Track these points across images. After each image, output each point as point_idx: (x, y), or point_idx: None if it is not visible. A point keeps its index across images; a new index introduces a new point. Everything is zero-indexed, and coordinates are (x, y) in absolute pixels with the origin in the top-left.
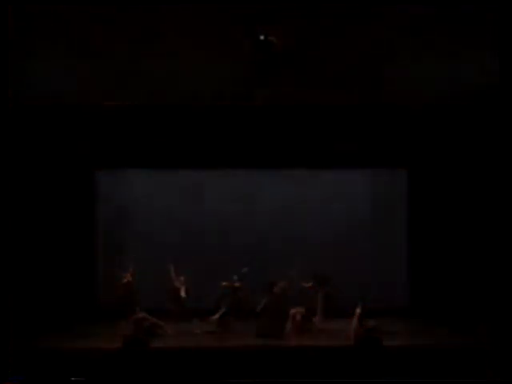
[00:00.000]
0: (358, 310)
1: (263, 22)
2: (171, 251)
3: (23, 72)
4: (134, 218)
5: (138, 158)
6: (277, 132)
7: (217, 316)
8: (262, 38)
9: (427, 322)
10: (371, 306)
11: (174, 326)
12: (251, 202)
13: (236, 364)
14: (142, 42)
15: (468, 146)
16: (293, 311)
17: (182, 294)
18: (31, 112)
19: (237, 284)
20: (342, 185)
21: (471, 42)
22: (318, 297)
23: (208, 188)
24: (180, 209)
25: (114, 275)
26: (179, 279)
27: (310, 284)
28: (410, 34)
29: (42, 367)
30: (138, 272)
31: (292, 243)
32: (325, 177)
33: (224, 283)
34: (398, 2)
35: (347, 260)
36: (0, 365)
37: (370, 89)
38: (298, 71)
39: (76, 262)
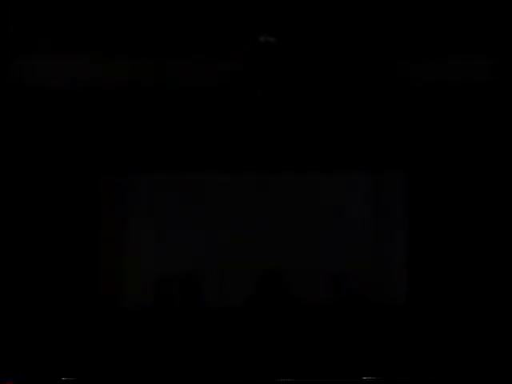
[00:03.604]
0: None
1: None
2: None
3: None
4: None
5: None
6: (271, 133)
7: None
8: (261, 38)
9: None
10: (370, 304)
11: None
12: (247, 206)
13: None
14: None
15: (469, 145)
16: None
17: None
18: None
19: None
20: (339, 187)
21: (473, 37)
22: None
23: (201, 192)
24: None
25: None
26: None
27: None
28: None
29: (41, 366)
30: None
31: (289, 244)
32: (320, 179)
33: None
34: None
35: (345, 260)
36: None
37: (367, 87)
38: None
39: (76, 263)
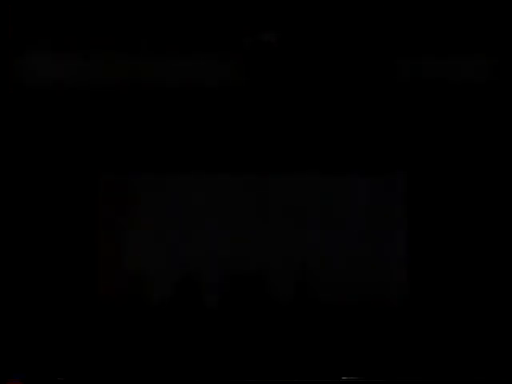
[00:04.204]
0: None
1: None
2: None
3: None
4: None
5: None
6: (270, 134)
7: None
8: (262, 36)
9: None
10: (369, 306)
11: None
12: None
13: None
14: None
15: (470, 145)
16: None
17: None
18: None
19: None
20: (339, 189)
21: (473, 37)
22: None
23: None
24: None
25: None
26: None
27: None
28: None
29: (42, 365)
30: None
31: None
32: (319, 179)
33: None
34: None
35: (344, 262)
36: (0, 363)
37: (366, 87)
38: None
39: (75, 264)
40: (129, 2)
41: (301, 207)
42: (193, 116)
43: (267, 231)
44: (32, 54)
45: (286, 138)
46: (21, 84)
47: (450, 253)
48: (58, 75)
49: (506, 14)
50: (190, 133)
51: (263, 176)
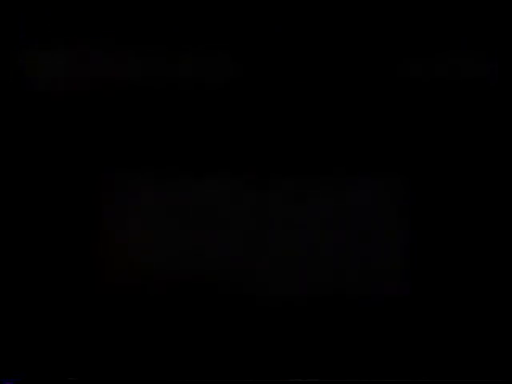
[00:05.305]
0: None
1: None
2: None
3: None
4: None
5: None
6: (270, 135)
7: None
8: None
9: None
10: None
11: None
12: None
13: None
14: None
15: (472, 146)
16: None
17: None
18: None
19: None
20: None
21: (477, 36)
22: None
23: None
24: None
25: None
26: None
27: None
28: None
29: (43, 365)
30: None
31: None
32: (320, 180)
33: None
34: None
35: (344, 263)
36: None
37: (366, 86)
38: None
39: (76, 264)
40: (128, 2)
41: (299, 208)
42: (191, 116)
43: (266, 233)
44: (31, 51)
45: (286, 138)
46: (21, 83)
47: (456, 256)
48: (57, 74)
49: None
50: (195, 133)
51: (268, 177)
